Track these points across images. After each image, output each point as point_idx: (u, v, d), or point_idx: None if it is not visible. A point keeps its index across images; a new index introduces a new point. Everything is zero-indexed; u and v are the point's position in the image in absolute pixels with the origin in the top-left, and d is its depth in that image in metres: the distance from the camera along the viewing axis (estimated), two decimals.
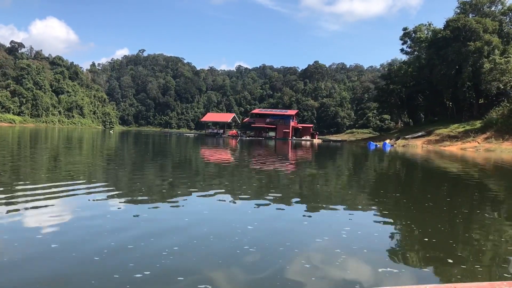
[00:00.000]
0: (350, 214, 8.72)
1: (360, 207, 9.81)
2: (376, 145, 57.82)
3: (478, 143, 55.20)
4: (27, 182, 10.57)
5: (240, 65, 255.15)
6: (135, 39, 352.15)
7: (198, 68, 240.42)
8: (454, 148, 55.27)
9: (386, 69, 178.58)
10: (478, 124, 61.05)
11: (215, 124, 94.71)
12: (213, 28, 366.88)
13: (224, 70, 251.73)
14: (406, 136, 64.19)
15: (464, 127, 61.49)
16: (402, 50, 76.08)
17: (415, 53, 73.91)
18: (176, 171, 16.86)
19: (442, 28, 67.08)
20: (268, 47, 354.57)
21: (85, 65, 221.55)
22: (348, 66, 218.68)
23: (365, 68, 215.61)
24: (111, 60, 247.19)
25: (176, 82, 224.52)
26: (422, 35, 71.01)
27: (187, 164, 21.67)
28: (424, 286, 2.94)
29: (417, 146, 58.75)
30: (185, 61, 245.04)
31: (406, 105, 75.47)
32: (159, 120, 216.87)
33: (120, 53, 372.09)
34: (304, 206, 9.56)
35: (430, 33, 70.50)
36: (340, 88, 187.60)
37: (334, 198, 11.22)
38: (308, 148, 49.24)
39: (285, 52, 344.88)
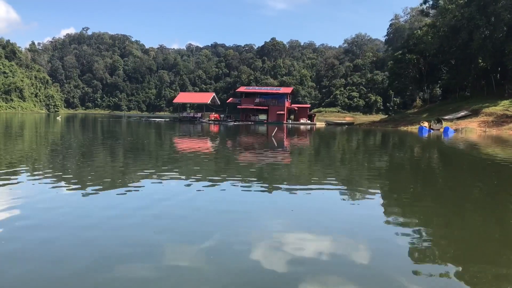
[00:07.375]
0: None
1: None
2: (429, 130, 40.82)
3: None
4: None
5: (190, 44, 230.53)
6: (81, 18, 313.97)
7: (147, 47, 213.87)
8: None
9: (348, 43, 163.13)
10: None
11: (186, 106, 71.62)
12: (161, 6, 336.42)
13: (175, 48, 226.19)
14: (445, 117, 47.57)
15: None
16: (422, 12, 58.63)
17: (442, 14, 56.16)
18: None
19: None
20: (218, 25, 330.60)
21: (25, 45, 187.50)
22: (302, 44, 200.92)
23: (317, 46, 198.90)
24: (52, 39, 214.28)
25: (124, 61, 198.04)
26: None
27: None
28: None
29: (474, 130, 42.29)
30: (133, 40, 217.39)
31: (426, 78, 58.61)
32: (108, 102, 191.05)
33: (65, 33, 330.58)
34: None
35: None
36: (299, 66, 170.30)
37: None
38: (326, 138, 31.98)
39: (235, 30, 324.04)
